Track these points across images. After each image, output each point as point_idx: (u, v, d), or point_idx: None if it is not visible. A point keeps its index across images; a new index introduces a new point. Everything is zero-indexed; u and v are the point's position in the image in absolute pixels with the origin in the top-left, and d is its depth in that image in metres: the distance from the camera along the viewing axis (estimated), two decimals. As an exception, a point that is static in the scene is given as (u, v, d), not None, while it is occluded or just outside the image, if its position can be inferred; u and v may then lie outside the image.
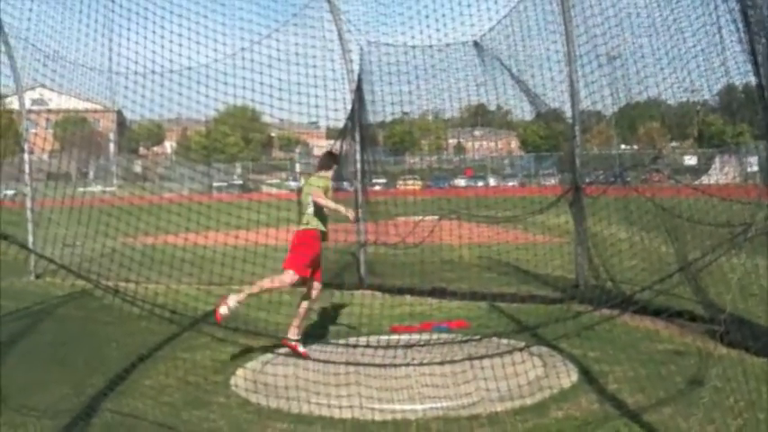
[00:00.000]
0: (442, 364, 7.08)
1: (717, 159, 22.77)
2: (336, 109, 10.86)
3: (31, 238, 13.47)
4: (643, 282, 8.40)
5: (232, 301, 7.62)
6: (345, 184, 14.02)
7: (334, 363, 7.21)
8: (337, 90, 10.78)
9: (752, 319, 7.16)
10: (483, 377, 6.58)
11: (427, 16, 10.61)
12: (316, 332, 8.88)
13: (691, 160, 28.80)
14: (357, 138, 12.48)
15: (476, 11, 10.19)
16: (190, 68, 10.33)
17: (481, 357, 7.02)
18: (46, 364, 7.41)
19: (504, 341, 7.81)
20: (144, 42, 9.84)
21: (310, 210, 8.05)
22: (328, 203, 7.99)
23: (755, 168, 22.46)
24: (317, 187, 8.01)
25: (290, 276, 7.84)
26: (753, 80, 7.62)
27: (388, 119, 14.56)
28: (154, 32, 9.76)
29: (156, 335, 8.61)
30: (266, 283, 7.94)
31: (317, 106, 10.24)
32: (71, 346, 8.38)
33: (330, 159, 8.64)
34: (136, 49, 9.92)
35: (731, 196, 8.40)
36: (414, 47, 10.87)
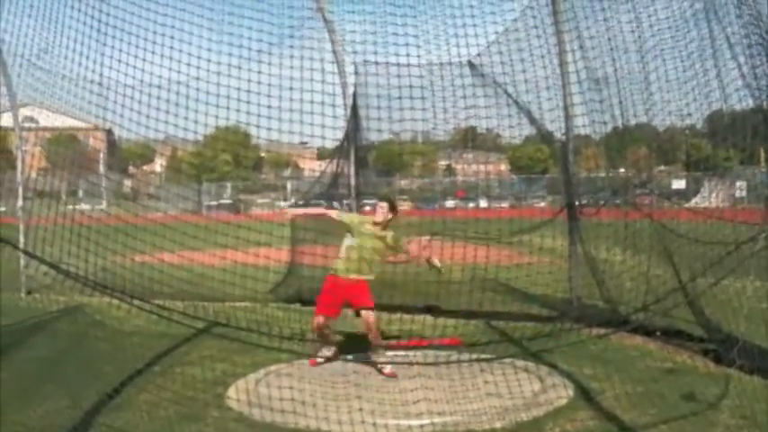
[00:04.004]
0: (437, 364, 7.07)
1: (705, 183, 22.96)
2: (330, 128, 10.81)
3: (21, 254, 13.37)
4: (638, 302, 8.47)
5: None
6: (335, 204, 14.05)
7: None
8: (329, 110, 10.74)
9: (746, 338, 7.21)
10: (480, 394, 6.61)
11: (417, 36, 10.62)
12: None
13: (679, 184, 29.01)
14: (352, 158, 12.51)
15: (472, 30, 10.22)
16: (172, 82, 10.22)
17: (480, 360, 7.04)
18: (39, 380, 7.36)
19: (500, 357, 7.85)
20: (135, 59, 9.79)
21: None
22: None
23: (744, 193, 22.71)
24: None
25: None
26: (740, 105, 7.79)
27: (380, 139, 14.58)
28: (145, 49, 9.70)
29: (150, 350, 8.59)
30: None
31: (311, 124, 10.14)
32: (64, 361, 8.31)
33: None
34: (127, 60, 9.84)
35: (727, 219, 8.49)
36: (408, 65, 10.86)
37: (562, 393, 6.80)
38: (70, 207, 13.00)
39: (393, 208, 8.29)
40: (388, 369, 7.81)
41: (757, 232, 4.42)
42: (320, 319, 8.02)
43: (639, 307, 8.01)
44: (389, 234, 8.18)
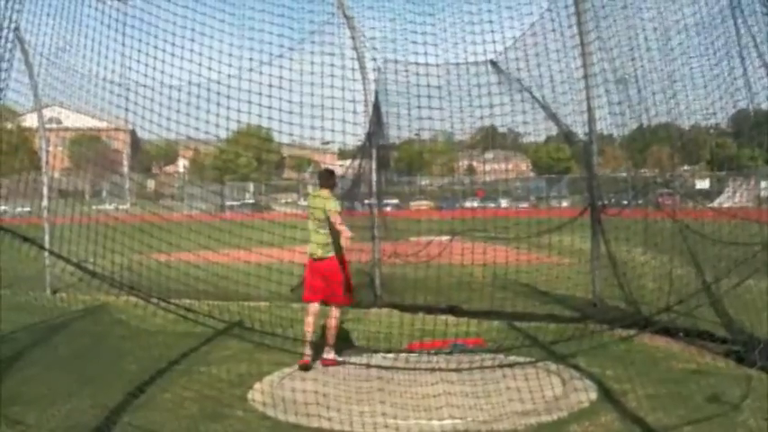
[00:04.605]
0: (460, 370, 7.07)
1: (730, 183, 22.75)
2: (351, 130, 10.81)
3: (47, 254, 13.49)
4: (661, 303, 8.41)
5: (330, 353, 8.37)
6: (357, 204, 14.05)
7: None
8: (351, 110, 10.73)
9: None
10: (502, 394, 6.58)
11: (435, 34, 10.57)
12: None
13: (703, 183, 28.74)
14: (374, 158, 12.52)
15: (489, 30, 10.19)
16: (198, 85, 10.24)
17: (503, 366, 7.02)
18: (64, 378, 7.42)
19: (522, 359, 7.84)
20: (157, 59, 9.83)
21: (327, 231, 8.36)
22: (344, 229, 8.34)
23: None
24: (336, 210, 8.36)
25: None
26: (767, 103, 7.71)
27: (401, 139, 14.59)
28: (166, 51, 9.75)
29: (173, 349, 8.66)
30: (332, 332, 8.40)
31: (332, 129, 10.17)
32: (88, 359, 8.40)
33: (334, 177, 8.94)
34: (148, 62, 9.90)
35: (752, 219, 8.42)
36: (428, 65, 10.85)
37: (585, 395, 6.76)
38: (94, 207, 13.15)
39: (327, 176, 8.72)
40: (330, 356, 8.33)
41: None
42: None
43: (663, 308, 7.96)
44: (323, 201, 8.39)
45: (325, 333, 8.48)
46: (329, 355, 8.36)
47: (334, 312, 8.44)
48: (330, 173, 8.86)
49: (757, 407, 6.05)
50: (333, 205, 8.32)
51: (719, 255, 8.37)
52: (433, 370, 7.32)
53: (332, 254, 8.36)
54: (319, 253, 8.33)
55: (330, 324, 8.40)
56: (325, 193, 8.45)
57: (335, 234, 8.28)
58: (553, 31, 10.62)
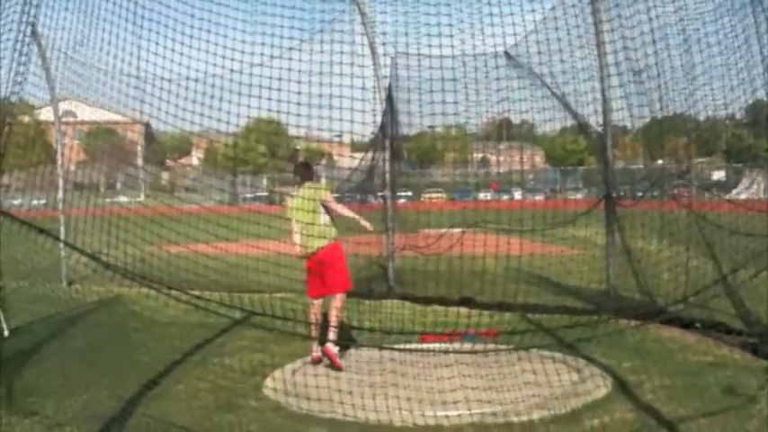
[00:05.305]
0: (475, 352, 7.06)
1: (746, 174, 22.60)
2: (364, 122, 10.74)
3: (62, 246, 13.54)
4: (677, 294, 8.35)
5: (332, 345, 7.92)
6: (370, 196, 14.05)
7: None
8: (365, 102, 10.67)
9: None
10: (517, 385, 6.56)
11: (461, 29, 10.47)
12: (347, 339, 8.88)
13: (719, 175, 28.58)
14: (387, 149, 12.48)
15: (509, 20, 10.06)
16: (214, 75, 10.22)
17: (517, 348, 7.00)
18: (79, 369, 7.46)
19: (535, 350, 7.80)
20: (171, 52, 9.83)
21: (326, 219, 8.24)
22: (350, 212, 8.37)
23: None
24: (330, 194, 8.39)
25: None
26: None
27: (414, 131, 14.55)
28: (182, 43, 9.73)
29: (186, 340, 8.70)
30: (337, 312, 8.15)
31: (340, 119, 10.06)
32: (104, 351, 8.46)
33: (312, 169, 8.89)
34: (164, 53, 9.90)
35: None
36: (442, 56, 10.76)
37: (600, 385, 6.74)
38: (108, 200, 13.19)
39: (306, 169, 8.70)
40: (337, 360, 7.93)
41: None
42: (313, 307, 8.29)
43: (679, 298, 7.91)
44: (311, 190, 8.33)
45: (328, 314, 8.25)
46: (331, 336, 8.00)
47: (339, 295, 8.26)
48: (308, 165, 8.88)
49: (772, 398, 6.02)
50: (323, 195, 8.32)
51: (736, 246, 8.30)
52: (447, 352, 7.30)
53: (327, 243, 8.26)
54: (315, 245, 8.22)
55: (335, 304, 8.15)
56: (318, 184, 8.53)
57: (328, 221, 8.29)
58: (575, 16, 10.47)
